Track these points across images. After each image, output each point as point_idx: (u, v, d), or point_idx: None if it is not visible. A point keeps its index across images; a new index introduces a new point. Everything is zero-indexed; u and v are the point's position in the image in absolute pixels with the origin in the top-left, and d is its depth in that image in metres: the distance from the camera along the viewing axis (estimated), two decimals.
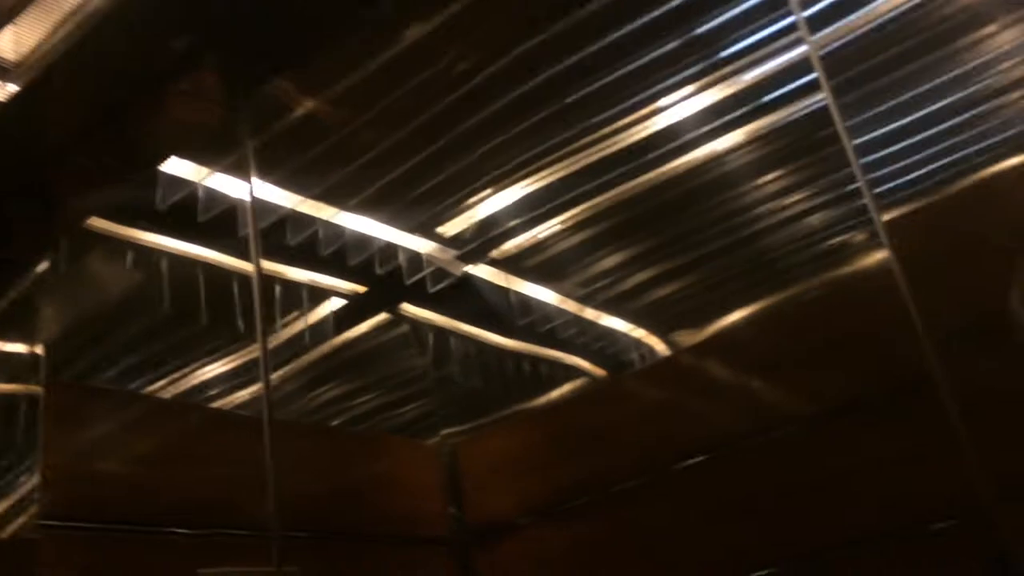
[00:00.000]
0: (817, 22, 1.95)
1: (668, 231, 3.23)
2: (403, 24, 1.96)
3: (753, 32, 2.06)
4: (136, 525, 2.00)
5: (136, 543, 1.99)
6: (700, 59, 2.19)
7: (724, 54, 2.16)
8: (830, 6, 1.96)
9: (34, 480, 1.63)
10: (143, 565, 1.96)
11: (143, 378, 3.27)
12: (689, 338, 3.96)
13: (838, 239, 3.13)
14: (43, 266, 1.77)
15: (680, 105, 2.42)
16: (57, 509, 1.75)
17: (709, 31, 2.07)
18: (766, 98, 2.33)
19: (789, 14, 2.00)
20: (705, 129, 2.50)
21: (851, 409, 2.14)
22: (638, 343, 4.16)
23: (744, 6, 1.96)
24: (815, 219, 3.08)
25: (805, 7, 1.97)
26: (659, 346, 4.17)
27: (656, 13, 1.94)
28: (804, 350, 2.26)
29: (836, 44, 2.02)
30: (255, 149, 2.09)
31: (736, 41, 2.10)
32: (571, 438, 2.79)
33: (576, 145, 2.54)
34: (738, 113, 2.42)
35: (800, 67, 2.18)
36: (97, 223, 2.13)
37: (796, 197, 2.90)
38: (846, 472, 2.09)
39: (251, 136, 1.45)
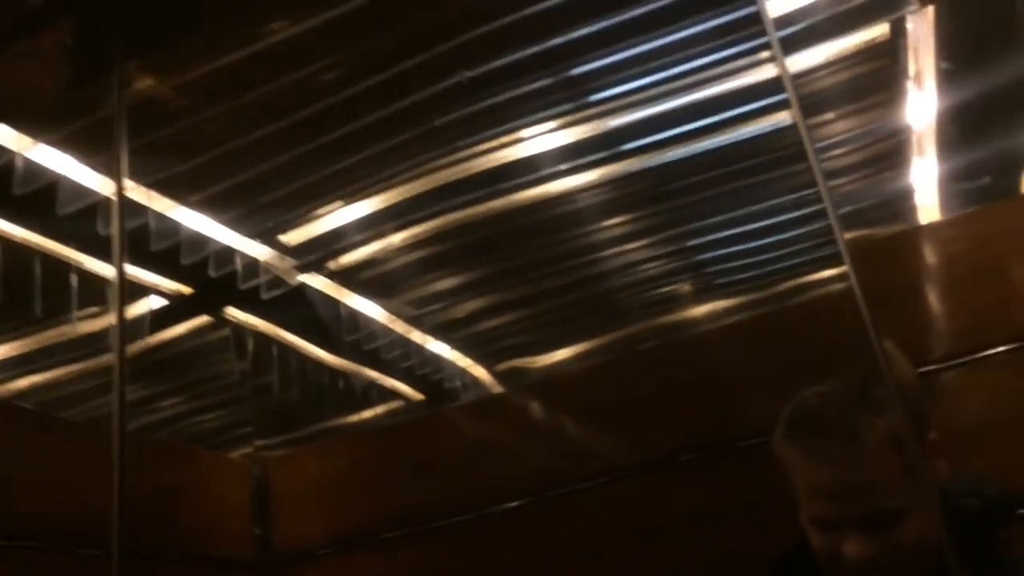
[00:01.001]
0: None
1: (507, 262, 3.27)
2: (276, 18, 1.86)
3: (624, 81, 2.13)
4: None
5: None
6: (570, 99, 2.24)
7: (593, 98, 2.22)
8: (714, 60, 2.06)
9: None
10: None
11: None
12: (515, 372, 4.02)
13: (670, 288, 3.29)
14: None
15: (541, 139, 2.46)
16: None
17: (583, 74, 2.12)
18: (626, 146, 2.42)
19: (663, 68, 2.08)
20: (563, 167, 2.55)
21: (673, 463, 2.21)
22: (462, 372, 4.17)
23: (620, 56, 2.03)
24: (648, 268, 3.22)
25: (675, 64, 2.07)
26: (484, 377, 4.20)
27: (535, 49, 1.96)
28: (633, 398, 2.33)
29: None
30: (90, 126, 1.91)
31: (606, 87, 2.16)
32: (390, 467, 2.72)
33: (433, 165, 2.51)
34: (597, 156, 2.49)
35: (662, 120, 2.28)
36: None
37: (637, 244, 3.01)
38: (664, 526, 2.16)
39: (122, 115, 1.31)
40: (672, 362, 2.37)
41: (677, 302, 3.31)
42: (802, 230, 2.93)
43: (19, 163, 1.98)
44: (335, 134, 2.07)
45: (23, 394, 3.56)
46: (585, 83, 2.16)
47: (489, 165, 2.56)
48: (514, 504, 2.44)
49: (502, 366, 4.33)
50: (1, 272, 2.52)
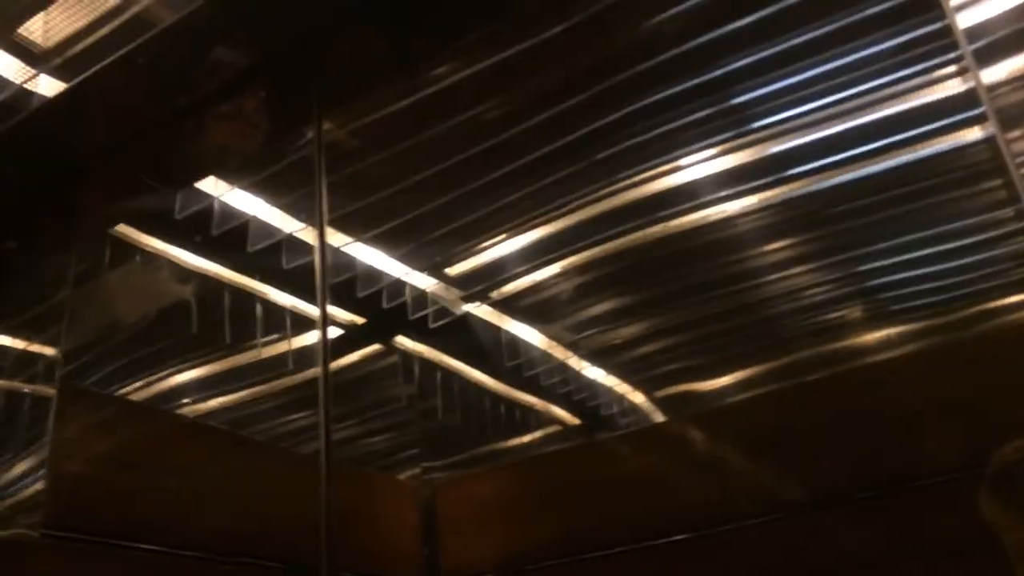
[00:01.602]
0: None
1: (664, 287, 3.24)
2: (442, 64, 1.95)
3: (788, 107, 2.09)
4: (116, 539, 1.93)
5: (115, 556, 1.92)
6: (730, 126, 2.21)
7: (755, 124, 2.18)
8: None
9: (38, 484, 1.56)
10: None
11: (126, 380, 3.20)
12: (675, 398, 3.96)
13: (835, 315, 3.16)
14: (64, 268, 1.72)
15: (700, 166, 2.44)
16: (60, 517, 1.68)
17: (744, 102, 2.10)
18: (791, 171, 2.36)
19: (829, 93, 2.03)
20: (722, 192, 2.52)
21: (843, 500, 2.11)
22: (620, 398, 4.15)
23: (785, 82, 1.99)
24: (819, 292, 3.10)
25: (843, 88, 2.01)
26: (643, 403, 4.17)
27: (696, 80, 1.96)
28: (800, 431, 2.24)
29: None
30: (273, 174, 2.07)
31: (769, 114, 2.13)
32: (554, 494, 2.73)
33: (594, 196, 2.54)
34: (759, 181, 2.44)
35: (829, 144, 2.22)
36: (118, 229, 2.09)
37: (802, 268, 2.92)
38: (832, 567, 2.06)
39: (321, 173, 1.43)
40: (843, 393, 2.26)
41: (846, 329, 3.17)
42: (986, 254, 2.75)
43: (216, 207, 2.17)
44: (499, 171, 2.14)
45: (212, 413, 3.84)
46: (746, 110, 2.13)
47: (647, 193, 2.57)
48: (677, 538, 2.40)
49: (661, 392, 4.28)
50: (196, 304, 2.76)
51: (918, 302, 2.96)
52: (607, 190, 2.49)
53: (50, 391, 1.63)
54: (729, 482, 2.33)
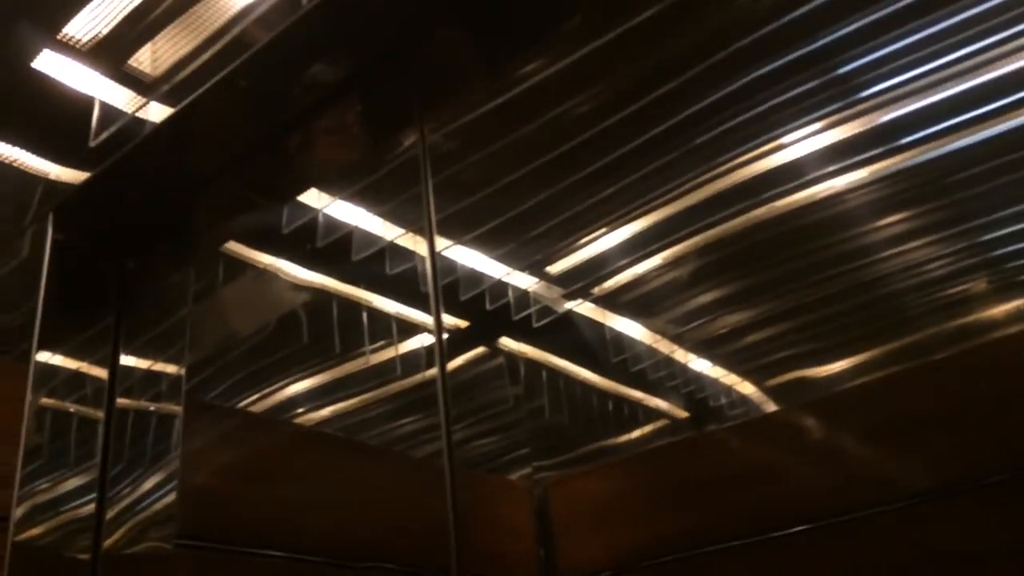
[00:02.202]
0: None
1: (771, 271, 3.14)
2: (532, 61, 1.94)
3: (897, 72, 1.98)
4: (242, 546, 2.00)
5: (242, 563, 1.99)
6: (836, 97, 2.12)
7: (862, 94, 2.08)
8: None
9: (168, 498, 1.64)
10: None
11: (242, 395, 3.33)
12: (787, 386, 3.84)
13: (959, 289, 2.99)
14: (182, 287, 1.80)
15: (804, 142, 2.35)
16: (191, 528, 1.76)
17: (850, 71, 2.00)
18: (902, 140, 2.25)
19: (940, 55, 1.92)
20: (830, 168, 2.42)
21: (976, 487, 2.00)
22: (729, 389, 4.06)
23: (892, 47, 1.89)
24: (934, 267, 2.95)
25: (955, 48, 1.89)
26: (752, 393, 4.06)
27: (797, 53, 1.88)
28: (925, 414, 2.13)
29: None
30: (374, 182, 2.10)
31: (877, 81, 2.02)
32: (666, 489, 2.69)
33: (691, 184, 2.48)
34: (868, 153, 2.33)
35: (943, 108, 2.10)
36: (228, 245, 2.16)
37: (919, 242, 2.78)
38: (965, 557, 1.95)
39: (427, 176, 1.44)
40: (969, 371, 2.14)
41: (971, 303, 3.00)
42: None
43: (320, 219, 2.22)
44: (595, 164, 2.12)
45: (326, 421, 3.94)
46: (852, 79, 2.04)
47: (749, 175, 2.49)
48: (796, 530, 2.32)
49: (772, 381, 4.15)
50: (306, 315, 2.84)
51: None
52: (707, 175, 2.43)
53: (176, 407, 1.71)
54: (848, 470, 2.24)
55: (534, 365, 3.67)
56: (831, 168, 2.49)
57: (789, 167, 2.47)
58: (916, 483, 2.05)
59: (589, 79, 1.94)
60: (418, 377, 3.66)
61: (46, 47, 1.84)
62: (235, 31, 1.65)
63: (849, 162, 2.45)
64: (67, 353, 1.55)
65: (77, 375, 1.60)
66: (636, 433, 4.25)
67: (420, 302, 2.83)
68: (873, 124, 2.21)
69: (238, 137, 1.48)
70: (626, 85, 1.95)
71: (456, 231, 2.40)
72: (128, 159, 1.58)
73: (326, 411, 3.87)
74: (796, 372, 3.85)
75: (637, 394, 4.06)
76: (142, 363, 1.72)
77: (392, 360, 3.39)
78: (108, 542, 1.52)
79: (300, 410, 3.67)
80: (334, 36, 1.47)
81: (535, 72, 1.93)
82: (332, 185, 2.09)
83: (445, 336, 3.07)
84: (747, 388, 4.04)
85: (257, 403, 3.60)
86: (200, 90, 1.41)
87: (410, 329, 3.13)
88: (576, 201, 2.30)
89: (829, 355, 3.67)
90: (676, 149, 2.17)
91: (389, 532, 2.46)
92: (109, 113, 1.79)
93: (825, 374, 3.78)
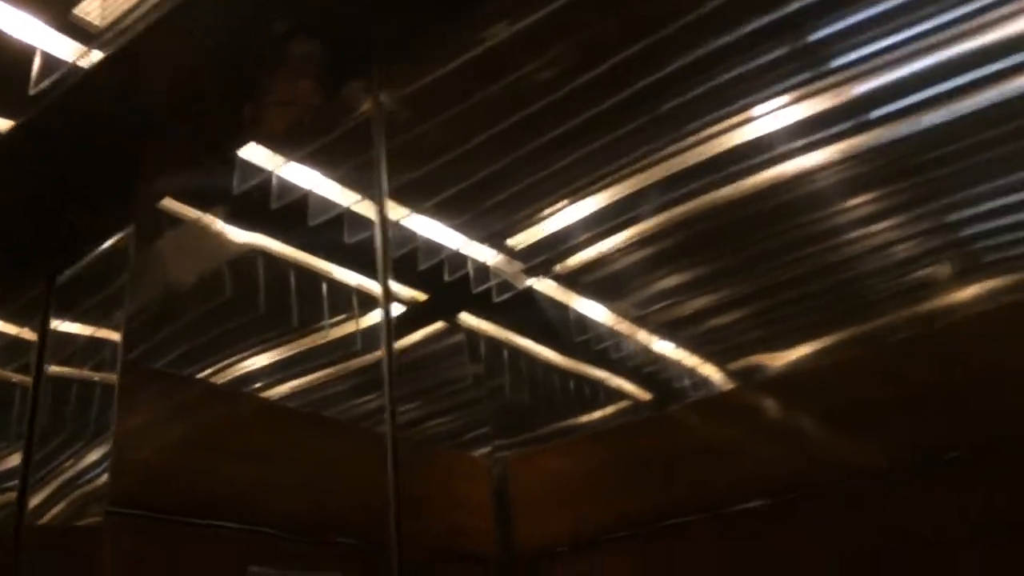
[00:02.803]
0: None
1: (736, 253, 3.11)
2: (491, 23, 1.87)
3: (870, 42, 1.93)
4: (192, 517, 1.94)
5: (191, 534, 1.93)
6: (805, 68, 2.07)
7: (833, 64, 2.03)
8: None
9: (103, 462, 1.56)
10: (195, 556, 1.89)
11: (196, 364, 3.23)
12: (749, 370, 3.83)
13: (923, 272, 2.98)
14: (117, 244, 1.71)
15: (774, 115, 2.30)
16: (122, 496, 1.69)
17: (823, 38, 1.95)
18: (873, 114, 2.20)
19: (914, 24, 1.87)
20: (799, 143, 2.37)
21: (936, 464, 1.99)
22: (691, 371, 4.04)
23: (868, 12, 1.84)
24: (901, 249, 2.93)
25: (928, 19, 1.85)
26: (715, 375, 4.04)
27: (768, 19, 1.83)
28: (882, 397, 2.11)
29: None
30: (332, 142, 2.02)
31: (849, 51, 1.97)
32: (626, 466, 2.67)
33: (656, 156, 2.43)
34: (839, 128, 2.29)
35: (915, 81, 2.06)
36: (172, 205, 2.07)
37: (886, 224, 2.75)
38: (918, 533, 1.94)
39: (381, 138, 1.37)
40: (933, 352, 2.13)
41: (936, 287, 2.99)
42: None
43: (274, 181, 2.14)
44: (556, 131, 2.06)
45: (286, 398, 3.86)
46: (823, 49, 1.98)
47: (717, 150, 2.44)
48: (752, 505, 2.31)
49: (735, 364, 4.13)
50: (265, 285, 2.76)
51: (1017, 251, 2.77)
52: (673, 148, 2.38)
53: (112, 376, 1.63)
54: (806, 449, 2.23)
55: (495, 343, 3.62)
56: (800, 143, 2.45)
57: (758, 142, 2.43)
58: (871, 462, 2.04)
59: (552, 40, 1.87)
60: (379, 353, 3.59)
61: None
62: None
63: (818, 137, 2.41)
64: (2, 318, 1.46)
65: (12, 342, 1.51)
66: (598, 413, 4.23)
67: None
68: (844, 98, 2.17)
69: (180, 83, 1.40)
70: (591, 47, 1.89)
71: (414, 199, 2.33)
72: (60, 104, 1.49)
73: (285, 387, 3.79)
74: (760, 355, 3.85)
75: (600, 374, 4.03)
76: (84, 329, 1.63)
77: (353, 335, 3.31)
78: (41, 515, 1.45)
79: (258, 384, 3.58)
80: None
81: (496, 32, 1.86)
82: (284, 145, 2.01)
83: (397, 308, 3.01)
84: (709, 370, 4.03)
85: (215, 375, 3.51)
86: (139, 29, 1.32)
87: (372, 303, 3.06)
88: (537, 169, 2.23)
89: (794, 338, 3.65)
90: (641, 116, 2.12)
91: (351, 508, 2.40)
92: (51, 64, 1.70)
93: (789, 358, 3.78)
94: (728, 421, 2.54)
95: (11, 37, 1.74)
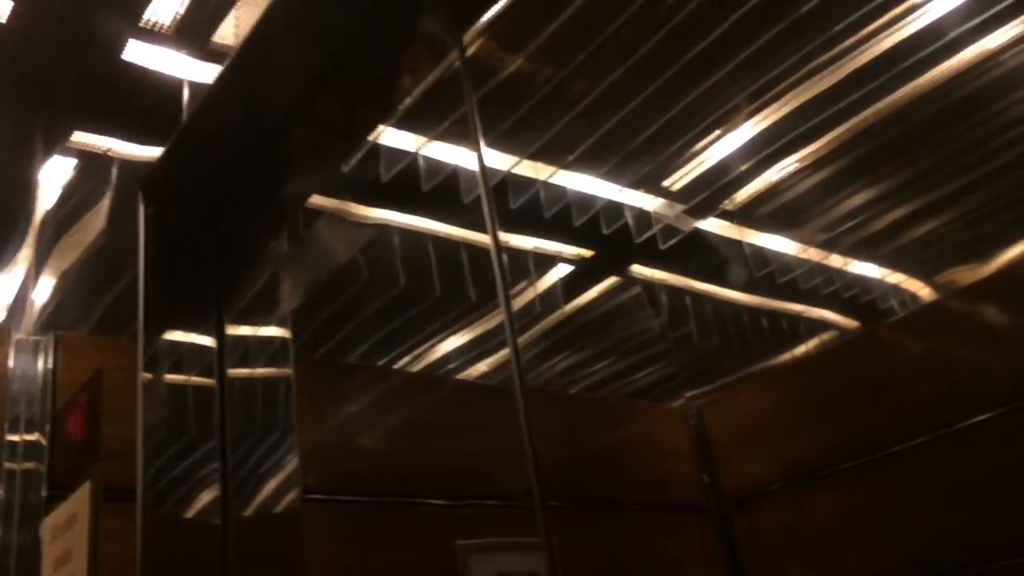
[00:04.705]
0: None
1: (925, 158, 2.84)
2: None
3: None
4: (390, 496, 2.03)
5: (391, 514, 2.02)
6: None
7: None
8: None
9: (292, 457, 1.67)
10: (399, 535, 1.99)
11: (386, 354, 3.39)
12: (960, 279, 3.51)
13: None
14: (277, 248, 1.81)
15: None
16: (317, 483, 1.80)
17: None
18: None
19: None
20: (972, 23, 2.12)
21: None
22: (896, 289, 3.75)
23: None
24: None
25: None
26: (922, 291, 3.73)
27: None
28: None
29: None
30: (465, 114, 2.02)
31: None
32: (829, 395, 2.54)
33: (811, 66, 2.25)
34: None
35: None
36: (324, 201, 2.17)
37: None
38: None
39: (473, 92, 1.37)
40: None
41: None
42: None
43: (421, 163, 2.18)
44: (689, 54, 1.95)
45: (485, 375, 3.94)
46: None
47: (879, 49, 2.23)
48: (979, 419, 2.12)
49: (942, 276, 3.80)
50: (436, 267, 2.83)
51: None
52: (825, 55, 2.20)
53: (287, 371, 1.73)
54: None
55: (675, 291, 3.53)
56: (976, 22, 2.19)
57: (926, 32, 2.19)
58: None
59: None
60: (563, 311, 3.61)
61: (131, 37, 1.88)
62: None
63: (997, 10, 2.14)
64: (174, 327, 1.59)
65: (186, 347, 1.64)
66: (802, 348, 4.03)
67: (545, 232, 2.75)
68: None
69: (296, 77, 1.45)
70: None
71: (557, 155, 2.30)
72: (197, 121, 1.59)
73: (481, 365, 3.89)
74: (967, 264, 3.52)
75: (794, 307, 3.84)
76: (251, 330, 1.75)
77: (532, 300, 3.33)
78: (239, 507, 1.57)
79: (452, 366, 3.70)
80: None
81: None
82: (418, 124, 2.04)
83: (564, 268, 2.99)
84: (915, 285, 3.73)
85: (410, 364, 3.66)
86: (248, 33, 1.38)
87: (546, 263, 3.06)
88: (677, 101, 2.13)
89: (1001, 239, 3.31)
90: (780, 22, 1.96)
91: (547, 472, 2.43)
92: (199, 91, 1.82)
93: (999, 262, 3.43)
94: (933, 335, 2.34)
95: (160, 73, 1.89)
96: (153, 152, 1.82)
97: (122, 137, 2.00)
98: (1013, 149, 2.78)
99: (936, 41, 2.23)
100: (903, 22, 2.15)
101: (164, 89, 1.88)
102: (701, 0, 1.82)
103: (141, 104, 1.93)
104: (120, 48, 1.87)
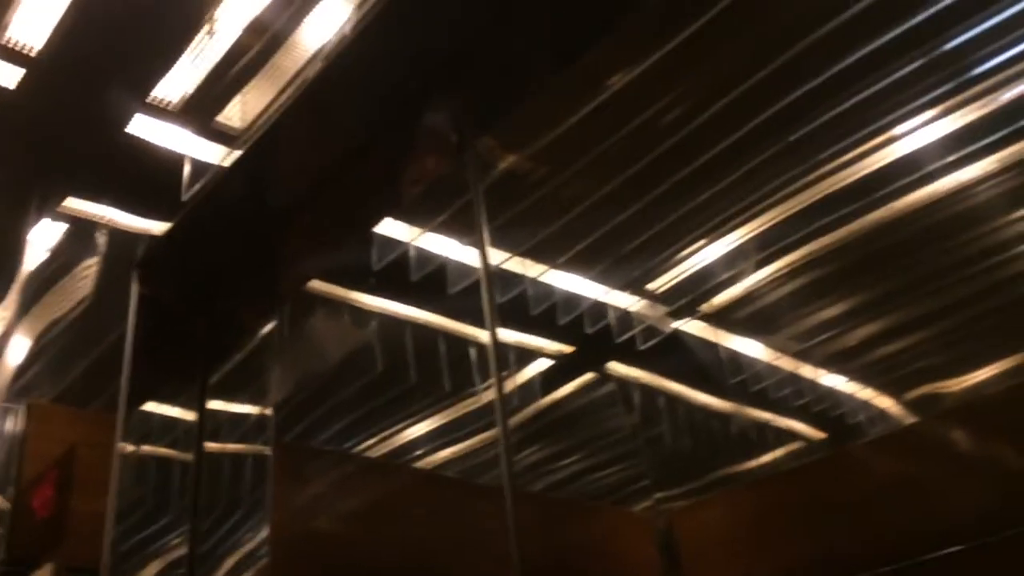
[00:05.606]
0: None
1: (901, 276, 2.91)
2: (610, 71, 1.87)
3: (1013, 44, 1.79)
4: None
5: None
6: (947, 78, 1.93)
7: (977, 71, 1.89)
8: None
9: (261, 535, 1.62)
10: None
11: (355, 438, 3.33)
12: (929, 399, 3.55)
13: None
14: (268, 329, 1.80)
15: (919, 133, 2.16)
16: (283, 564, 1.75)
17: (961, 45, 1.82)
18: None
19: None
20: (950, 158, 2.21)
21: None
22: (866, 404, 3.78)
23: (1007, 13, 1.70)
24: None
25: None
26: (892, 408, 3.77)
27: (898, 30, 1.72)
28: None
29: None
30: (461, 209, 2.06)
31: (995, 55, 1.83)
32: (802, 512, 2.51)
33: (796, 185, 2.33)
34: (992, 138, 2.12)
35: None
36: (317, 285, 2.17)
37: None
38: None
39: (478, 186, 1.40)
40: None
41: None
42: None
43: (412, 252, 2.20)
44: (685, 171, 2.01)
45: (445, 464, 3.89)
46: (963, 56, 1.85)
47: (860, 174, 2.32)
48: (954, 550, 2.10)
49: (912, 394, 3.84)
50: (414, 354, 2.82)
51: None
52: (811, 175, 2.28)
53: (265, 449, 1.70)
54: (1007, 482, 2.02)
55: (648, 390, 3.53)
56: (953, 158, 2.29)
57: (906, 161, 2.28)
58: None
59: (672, 78, 1.84)
60: (534, 407, 3.58)
61: (138, 111, 1.91)
62: (309, 72, 1.66)
63: (972, 149, 2.24)
64: (157, 400, 1.56)
65: (166, 421, 1.61)
66: (768, 457, 4.03)
67: (528, 327, 2.77)
68: (993, 106, 2.01)
69: (308, 169, 1.47)
70: (712, 81, 1.85)
71: (551, 255, 2.33)
72: (202, 205, 1.60)
73: (444, 453, 3.83)
74: (939, 383, 3.56)
75: (764, 415, 3.85)
76: (234, 407, 1.72)
77: (511, 393, 3.31)
78: None
79: (418, 452, 3.64)
80: (396, 52, 1.44)
81: (613, 78, 1.85)
82: (415, 216, 2.07)
83: (544, 362, 2.99)
84: (886, 402, 3.77)
85: (374, 448, 3.60)
86: (266, 125, 1.40)
87: (525, 358, 3.06)
88: (670, 210, 2.19)
89: (972, 362, 3.37)
90: (770, 147, 2.04)
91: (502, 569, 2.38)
92: (199, 169, 1.83)
93: (970, 383, 3.48)
94: (911, 458, 2.35)
95: (163, 148, 1.90)
96: (146, 224, 1.82)
97: (117, 207, 2.01)
98: (983, 278, 2.86)
99: (914, 172, 2.32)
100: (883, 151, 2.24)
101: (164, 163, 1.89)
102: (698, 123, 1.88)
103: (140, 176, 1.94)
104: (125, 121, 1.89)
